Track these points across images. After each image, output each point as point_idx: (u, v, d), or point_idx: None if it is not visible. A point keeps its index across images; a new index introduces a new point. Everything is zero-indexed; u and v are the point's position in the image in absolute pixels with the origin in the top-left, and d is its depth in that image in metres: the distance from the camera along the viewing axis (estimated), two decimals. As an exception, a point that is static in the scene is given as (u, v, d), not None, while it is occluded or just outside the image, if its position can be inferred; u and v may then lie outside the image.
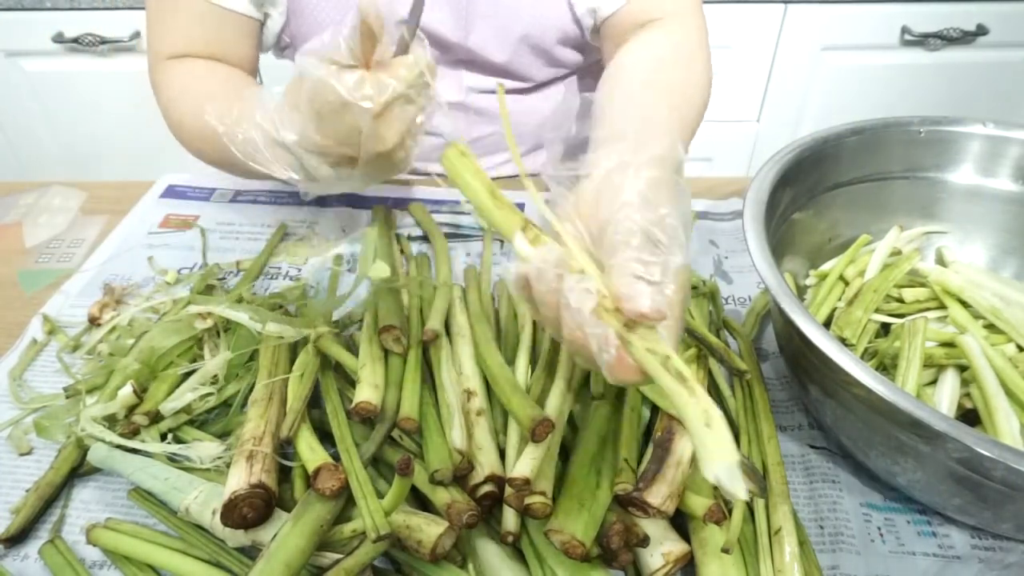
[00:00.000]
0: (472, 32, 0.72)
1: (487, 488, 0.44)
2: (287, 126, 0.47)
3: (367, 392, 0.46)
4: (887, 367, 0.52)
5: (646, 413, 0.48)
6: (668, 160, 0.38)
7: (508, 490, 0.42)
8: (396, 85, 0.46)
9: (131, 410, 0.51)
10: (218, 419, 0.53)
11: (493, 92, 0.78)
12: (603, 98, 0.58)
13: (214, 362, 0.54)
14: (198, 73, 0.66)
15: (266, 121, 0.48)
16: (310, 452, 0.44)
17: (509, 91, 0.79)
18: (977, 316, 0.53)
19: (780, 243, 0.56)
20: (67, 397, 0.54)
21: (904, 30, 1.34)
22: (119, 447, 0.49)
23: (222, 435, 0.51)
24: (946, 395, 0.48)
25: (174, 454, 0.48)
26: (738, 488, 0.26)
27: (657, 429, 0.45)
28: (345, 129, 0.46)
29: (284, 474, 0.46)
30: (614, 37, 0.71)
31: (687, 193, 0.37)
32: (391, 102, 0.46)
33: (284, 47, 0.76)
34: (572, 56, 0.77)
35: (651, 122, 0.53)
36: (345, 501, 0.43)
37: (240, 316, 0.55)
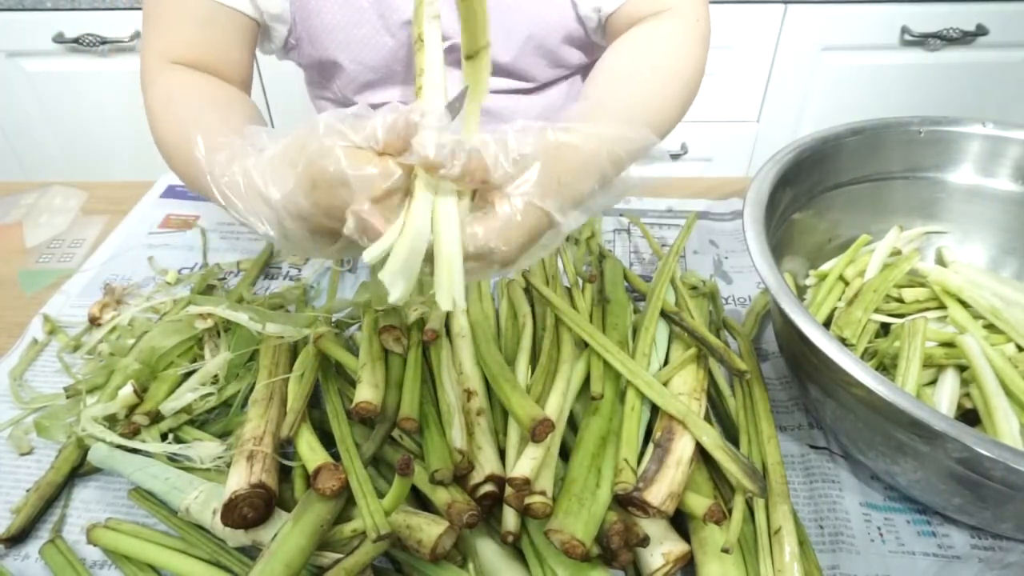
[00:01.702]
0: None
1: (487, 488, 0.44)
2: (276, 182, 0.44)
3: (367, 392, 0.46)
4: (887, 367, 0.52)
5: (646, 413, 0.48)
6: (609, 141, 0.39)
7: (508, 490, 0.42)
8: (401, 174, 0.44)
9: (131, 410, 0.51)
10: (218, 419, 0.53)
11: (498, 93, 0.78)
12: (586, 82, 0.60)
13: (214, 362, 0.54)
14: (190, 87, 0.64)
15: (256, 171, 0.46)
16: (310, 452, 0.44)
17: (512, 91, 0.79)
18: (977, 316, 0.53)
19: (780, 243, 0.56)
20: (67, 397, 0.54)
21: (904, 30, 1.34)
22: (119, 447, 0.49)
23: (222, 435, 0.51)
24: (946, 395, 0.48)
25: (174, 454, 0.48)
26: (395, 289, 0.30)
27: (657, 429, 0.45)
28: (336, 204, 0.43)
29: (284, 474, 0.46)
30: (617, 33, 0.71)
31: (607, 176, 0.39)
32: (392, 192, 0.45)
33: (289, 48, 0.75)
34: (576, 56, 0.77)
35: (613, 97, 0.55)
36: (345, 501, 0.43)
37: (240, 316, 0.55)
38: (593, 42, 0.76)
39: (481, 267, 0.35)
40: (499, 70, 0.76)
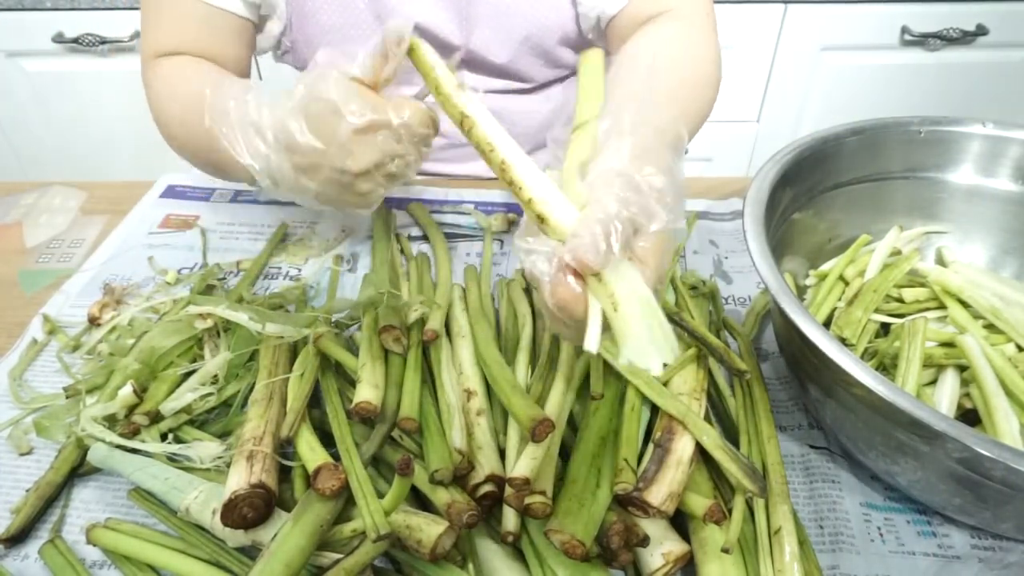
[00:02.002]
0: (474, 33, 0.72)
1: (487, 488, 0.44)
2: (271, 108, 0.47)
3: (367, 392, 0.46)
4: (887, 367, 0.52)
5: (646, 413, 0.48)
6: (663, 131, 0.40)
7: (508, 490, 0.42)
8: (390, 115, 0.46)
9: (131, 410, 0.51)
10: (218, 419, 0.53)
11: (494, 93, 0.78)
12: (609, 80, 0.59)
13: (214, 362, 0.54)
14: (189, 65, 0.66)
15: (252, 97, 0.48)
16: (310, 452, 0.44)
17: (509, 92, 0.79)
18: (977, 316, 0.53)
19: (780, 243, 0.56)
20: (67, 397, 0.54)
21: (904, 30, 1.34)
22: (119, 447, 0.49)
23: (222, 435, 0.51)
24: (946, 395, 0.48)
25: (174, 454, 0.48)
26: (652, 364, 0.31)
27: (657, 429, 0.45)
28: (325, 133, 0.45)
29: (284, 474, 0.46)
30: (620, 33, 0.70)
31: (680, 168, 0.39)
32: (377, 127, 0.46)
33: (284, 51, 0.75)
34: (572, 57, 0.78)
35: (650, 99, 0.54)
36: (345, 501, 0.43)
37: (240, 316, 0.55)
38: (586, 41, 0.76)
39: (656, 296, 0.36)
40: (496, 71, 0.76)
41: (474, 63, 0.75)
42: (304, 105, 0.45)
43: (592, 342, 0.33)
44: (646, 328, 0.32)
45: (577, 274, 0.33)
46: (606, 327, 0.33)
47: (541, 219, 0.35)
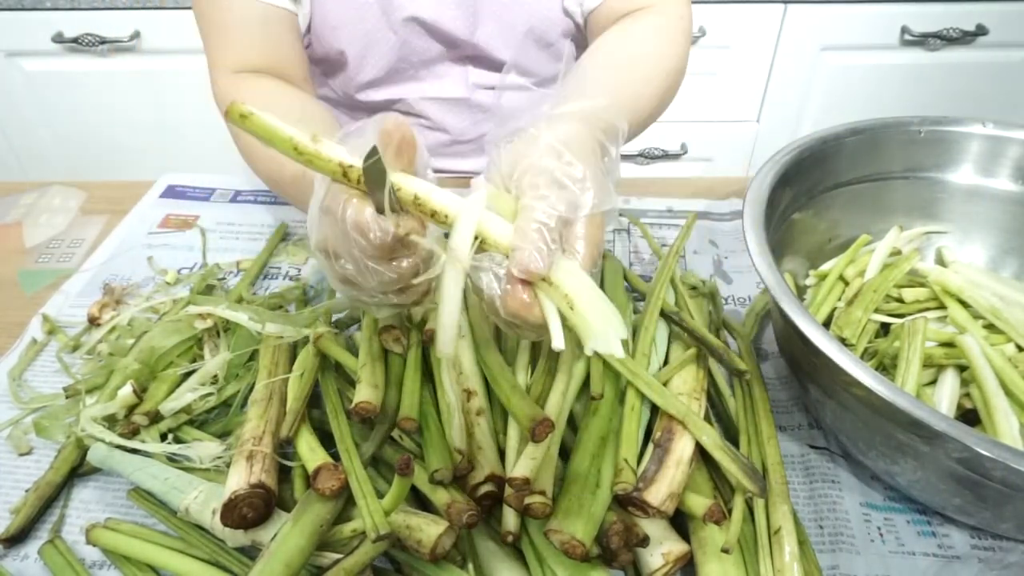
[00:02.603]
0: (479, 28, 0.72)
1: (487, 488, 0.44)
2: (315, 228, 0.41)
3: (367, 392, 0.46)
4: (887, 367, 0.52)
5: (646, 413, 0.48)
6: (592, 118, 0.41)
7: (508, 490, 0.42)
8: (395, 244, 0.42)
9: (131, 410, 0.51)
10: (218, 419, 0.53)
11: (499, 89, 0.78)
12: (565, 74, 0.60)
13: (214, 362, 0.54)
14: (267, 95, 0.64)
15: (310, 217, 0.44)
16: (310, 452, 0.44)
17: (515, 87, 0.79)
18: (977, 316, 0.53)
19: (780, 243, 0.56)
20: (67, 397, 0.54)
21: (904, 30, 1.34)
22: (119, 447, 0.49)
23: (222, 435, 0.51)
24: (946, 395, 0.48)
25: (174, 454, 0.48)
26: (615, 348, 0.33)
27: (657, 429, 0.45)
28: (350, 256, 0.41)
29: (284, 474, 0.46)
30: (599, 29, 0.71)
31: (610, 151, 0.41)
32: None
33: (307, 45, 0.75)
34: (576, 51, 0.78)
35: (588, 83, 0.55)
36: (345, 501, 0.43)
37: (240, 316, 0.55)
38: (585, 37, 0.76)
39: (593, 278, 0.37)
40: (500, 66, 0.76)
41: (479, 59, 0.75)
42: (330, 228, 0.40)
43: (558, 341, 0.35)
44: (599, 316, 0.34)
45: (525, 283, 0.35)
46: (564, 323, 0.35)
47: (481, 240, 0.36)
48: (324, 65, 0.77)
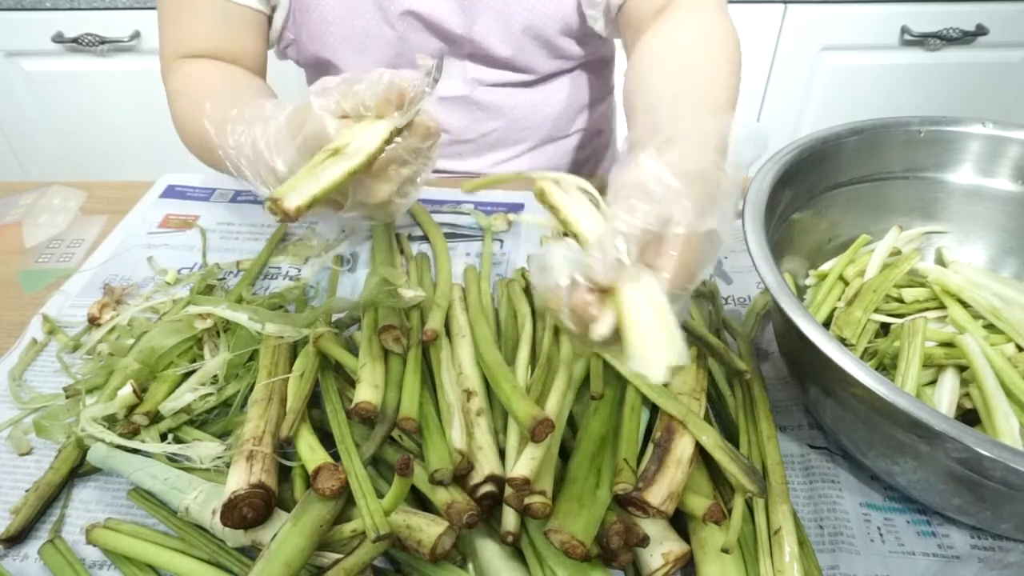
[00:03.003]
0: (476, 23, 0.72)
1: (487, 488, 0.44)
2: (281, 153, 0.46)
3: (367, 392, 0.46)
4: (887, 367, 0.52)
5: (646, 413, 0.48)
6: (695, 133, 0.40)
7: (508, 490, 0.42)
8: (391, 146, 0.44)
9: (131, 410, 0.51)
10: (218, 419, 0.53)
11: (498, 86, 0.78)
12: (633, 96, 0.59)
13: (214, 362, 0.54)
14: (206, 71, 0.66)
15: (262, 141, 0.47)
16: (310, 452, 0.44)
17: (513, 84, 0.79)
18: (977, 316, 0.53)
19: (780, 243, 0.56)
20: (67, 397, 0.54)
21: (904, 30, 1.34)
22: (119, 447, 0.49)
23: (222, 435, 0.51)
24: (946, 395, 0.48)
25: (174, 454, 0.48)
26: (652, 372, 0.32)
27: (657, 429, 0.45)
28: None
29: (284, 474, 0.46)
30: (632, 25, 0.69)
31: (719, 163, 0.39)
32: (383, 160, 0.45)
33: (286, 45, 0.75)
34: (575, 48, 0.77)
35: (673, 102, 0.54)
36: (345, 501, 0.43)
37: (240, 316, 0.55)
38: (589, 34, 0.76)
39: (679, 300, 0.36)
40: (499, 63, 0.76)
41: (478, 55, 0.75)
42: (310, 150, 0.43)
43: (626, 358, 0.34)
44: (646, 338, 0.33)
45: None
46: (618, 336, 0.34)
47: (576, 236, 0.36)
48: (318, 66, 0.77)
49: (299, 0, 0.71)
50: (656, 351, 0.33)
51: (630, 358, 0.33)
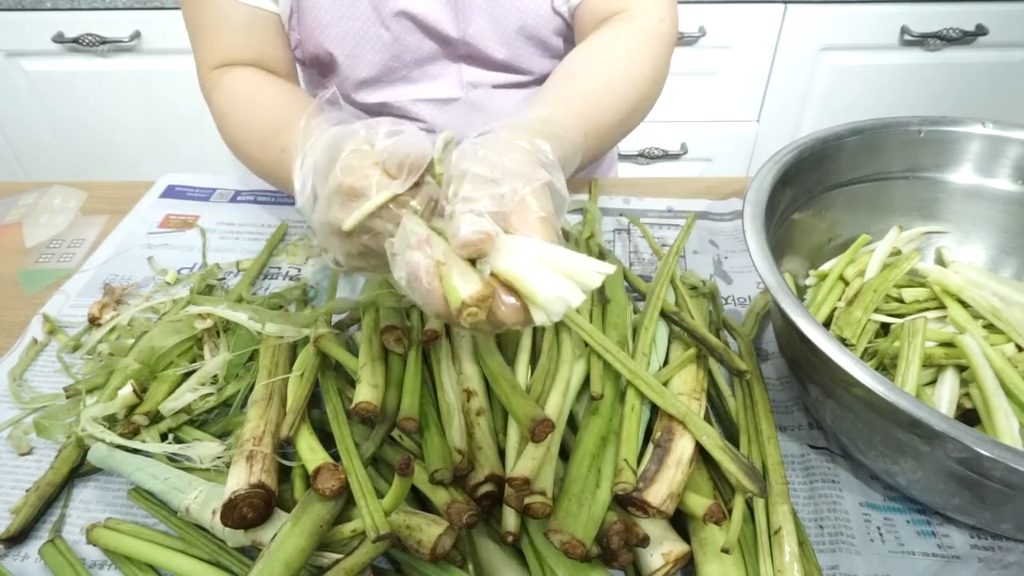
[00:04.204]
0: (470, 25, 0.72)
1: (487, 488, 0.44)
2: (304, 200, 0.46)
3: (367, 392, 0.46)
4: (887, 367, 0.52)
5: (646, 413, 0.48)
6: (528, 129, 0.42)
7: (508, 490, 0.42)
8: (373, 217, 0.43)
9: (131, 410, 0.51)
10: (218, 419, 0.53)
11: (494, 87, 0.78)
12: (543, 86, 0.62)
13: (214, 362, 0.54)
14: (253, 81, 0.68)
15: (300, 193, 0.46)
16: (310, 452, 0.44)
17: (509, 85, 0.78)
18: (977, 316, 0.53)
19: (780, 243, 0.56)
20: (67, 397, 0.54)
21: (904, 30, 1.34)
22: (119, 447, 0.49)
23: (222, 435, 0.51)
24: (945, 395, 0.48)
25: (174, 454, 0.48)
26: (575, 296, 0.34)
27: (657, 429, 0.45)
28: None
29: (284, 474, 0.46)
30: (581, 28, 0.71)
31: (542, 149, 0.41)
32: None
33: (295, 46, 0.75)
34: (569, 48, 0.77)
35: (540, 96, 0.58)
36: (345, 501, 0.43)
37: (240, 316, 0.55)
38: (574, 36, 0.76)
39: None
40: (495, 65, 0.76)
41: (473, 57, 0.75)
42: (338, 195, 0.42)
43: (539, 318, 0.35)
44: (543, 285, 0.35)
45: (508, 289, 0.35)
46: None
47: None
48: (318, 66, 0.77)
49: (298, 1, 0.71)
50: (556, 292, 0.34)
51: (537, 313, 0.35)
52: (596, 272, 0.35)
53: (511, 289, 0.35)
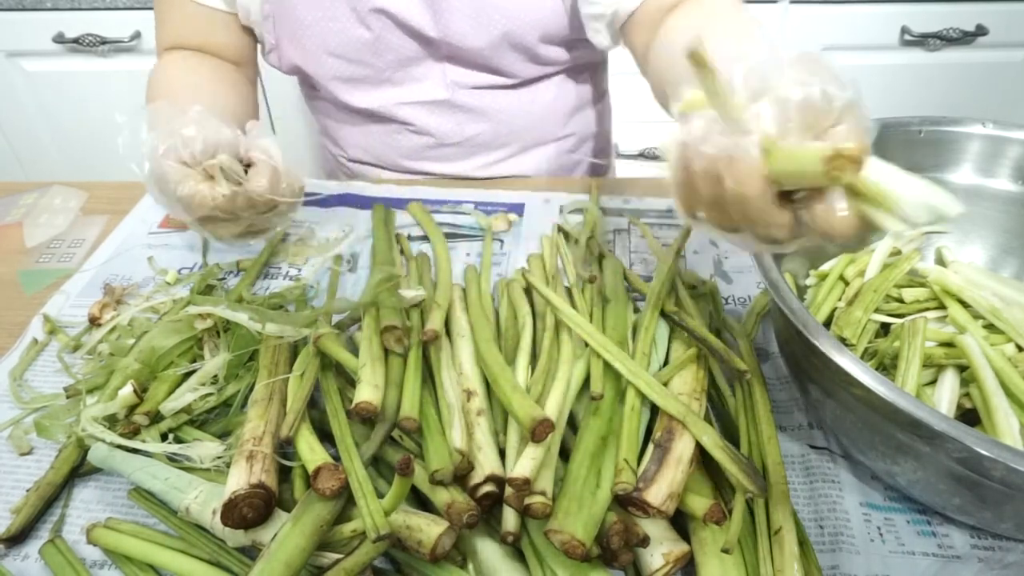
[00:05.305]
0: (449, 25, 0.71)
1: (487, 488, 0.44)
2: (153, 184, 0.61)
3: (367, 392, 0.46)
4: (887, 367, 0.52)
5: (646, 413, 0.48)
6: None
7: (508, 490, 0.42)
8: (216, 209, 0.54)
9: (131, 410, 0.51)
10: (218, 419, 0.53)
11: (479, 88, 0.77)
12: (668, 72, 0.59)
13: (214, 362, 0.54)
14: (176, 63, 0.74)
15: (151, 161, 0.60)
16: (310, 452, 0.44)
17: (495, 87, 0.78)
18: (977, 316, 0.53)
19: (780, 243, 0.55)
20: (67, 397, 0.54)
21: (904, 30, 1.34)
22: (119, 447, 0.49)
23: (222, 435, 0.51)
24: (946, 395, 0.48)
25: (174, 454, 0.48)
26: (949, 207, 0.30)
27: (657, 429, 0.45)
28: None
29: (284, 474, 0.46)
30: (645, 25, 0.65)
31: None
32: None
33: (270, 50, 0.76)
34: (558, 54, 0.76)
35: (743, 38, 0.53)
36: (345, 501, 0.43)
37: (240, 316, 0.55)
38: (576, 40, 0.74)
39: None
40: (478, 65, 0.75)
41: (455, 56, 0.74)
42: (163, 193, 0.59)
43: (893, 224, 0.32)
44: (915, 185, 0.31)
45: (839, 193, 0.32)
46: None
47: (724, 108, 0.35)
48: (298, 74, 0.78)
49: (277, 6, 0.71)
50: (924, 194, 0.30)
51: (897, 213, 0.31)
52: (954, 201, 0.30)
53: (856, 193, 0.32)
